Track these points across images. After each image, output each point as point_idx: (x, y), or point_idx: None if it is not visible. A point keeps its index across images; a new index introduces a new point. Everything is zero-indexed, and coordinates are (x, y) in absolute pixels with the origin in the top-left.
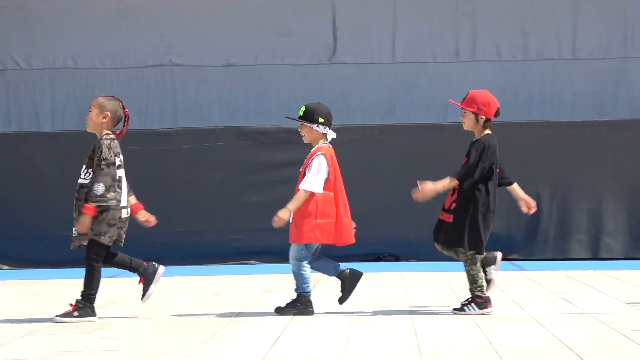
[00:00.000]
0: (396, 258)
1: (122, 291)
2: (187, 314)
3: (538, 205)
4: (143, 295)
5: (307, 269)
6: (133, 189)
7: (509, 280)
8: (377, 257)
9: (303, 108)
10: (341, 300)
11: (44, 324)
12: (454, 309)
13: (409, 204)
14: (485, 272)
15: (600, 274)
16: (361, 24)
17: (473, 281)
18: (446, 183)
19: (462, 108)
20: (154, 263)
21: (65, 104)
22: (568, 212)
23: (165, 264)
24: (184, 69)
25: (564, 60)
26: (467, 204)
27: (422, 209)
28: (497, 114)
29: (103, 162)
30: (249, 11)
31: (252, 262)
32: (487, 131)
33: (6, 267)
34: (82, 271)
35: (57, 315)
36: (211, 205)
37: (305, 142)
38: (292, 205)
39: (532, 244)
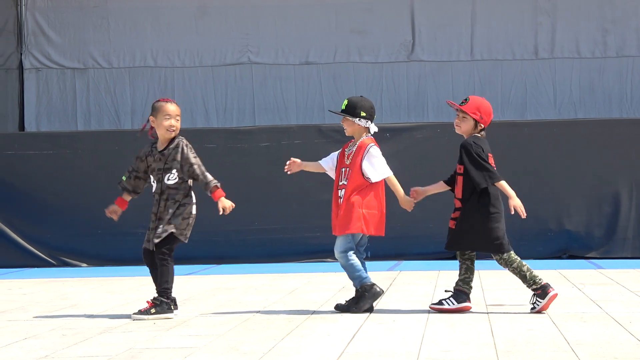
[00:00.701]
0: None
1: (197, 289)
2: (263, 311)
3: (617, 203)
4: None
5: (354, 257)
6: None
7: (586, 279)
8: (453, 256)
9: (345, 102)
10: (339, 307)
11: (121, 320)
12: (532, 310)
13: None
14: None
15: None
16: (439, 21)
17: (523, 278)
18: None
19: (465, 113)
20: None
21: (145, 102)
22: None
23: (241, 262)
24: (262, 67)
25: None
26: (468, 211)
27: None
28: (490, 123)
29: (194, 159)
30: (326, 9)
31: (329, 260)
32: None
33: (84, 264)
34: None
35: (134, 313)
36: (288, 203)
37: (347, 134)
38: (399, 191)
39: (610, 242)
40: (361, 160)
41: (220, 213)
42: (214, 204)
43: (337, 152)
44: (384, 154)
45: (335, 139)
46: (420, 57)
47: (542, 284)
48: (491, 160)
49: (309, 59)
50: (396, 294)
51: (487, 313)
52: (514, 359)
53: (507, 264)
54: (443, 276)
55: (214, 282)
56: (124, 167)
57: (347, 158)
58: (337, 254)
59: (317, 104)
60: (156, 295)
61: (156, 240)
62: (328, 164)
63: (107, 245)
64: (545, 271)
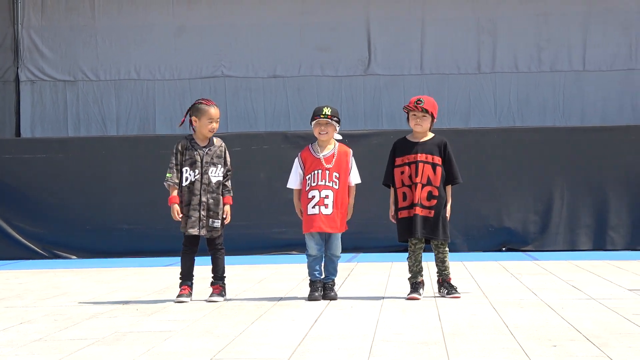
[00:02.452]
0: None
1: (176, 278)
2: (234, 298)
3: (550, 202)
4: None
5: None
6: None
7: (523, 269)
8: (405, 248)
9: (329, 109)
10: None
11: (108, 306)
12: (448, 294)
13: None
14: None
15: (605, 263)
16: (393, 39)
17: (446, 267)
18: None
19: (426, 111)
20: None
21: (129, 111)
22: (576, 209)
23: None
24: (234, 80)
25: (575, 71)
26: (443, 200)
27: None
28: None
29: (230, 162)
30: (292, 28)
31: (294, 252)
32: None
33: (74, 257)
34: (140, 260)
35: (209, 300)
36: (257, 202)
37: (324, 139)
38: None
39: (544, 236)
40: (350, 165)
41: (225, 216)
42: None
43: (298, 163)
44: None
45: (300, 144)
46: (376, 72)
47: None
48: None
49: (276, 73)
50: (354, 283)
51: (435, 299)
52: (459, 341)
53: (444, 252)
54: (396, 267)
55: None
56: (110, 170)
57: (328, 162)
58: (339, 251)
59: (283, 113)
60: (218, 280)
61: (216, 234)
62: (298, 182)
63: (95, 239)
64: (487, 262)
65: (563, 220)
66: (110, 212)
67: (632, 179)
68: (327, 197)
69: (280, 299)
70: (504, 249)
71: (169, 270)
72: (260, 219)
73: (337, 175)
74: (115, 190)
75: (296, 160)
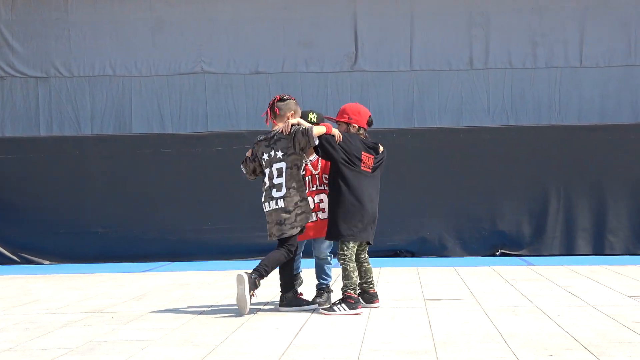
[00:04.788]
0: (412, 254)
1: (153, 285)
2: (215, 305)
3: (546, 204)
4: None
5: None
6: (171, 188)
7: (518, 275)
8: (395, 253)
9: (316, 115)
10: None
11: (81, 315)
12: (323, 309)
13: (425, 203)
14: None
15: (603, 269)
16: (381, 34)
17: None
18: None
19: (336, 121)
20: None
21: (104, 109)
22: (573, 211)
23: (194, 259)
24: (214, 76)
25: (571, 68)
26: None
27: (438, 209)
28: (370, 122)
29: None
30: (275, 23)
31: None
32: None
33: (46, 262)
34: (115, 266)
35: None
36: (239, 204)
37: None
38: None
39: (540, 240)
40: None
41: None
42: (170, 204)
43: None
44: None
45: None
46: (363, 68)
47: (357, 296)
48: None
49: (258, 69)
50: (338, 290)
51: (426, 307)
52: (451, 350)
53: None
54: (384, 272)
55: (169, 278)
56: (84, 170)
57: (315, 167)
58: (324, 254)
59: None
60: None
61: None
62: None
63: (68, 243)
64: (480, 268)
65: (560, 224)
66: (84, 215)
67: (631, 180)
68: (321, 201)
69: (266, 303)
70: (497, 253)
71: (144, 276)
72: (243, 223)
73: (327, 176)
74: (90, 192)
75: None
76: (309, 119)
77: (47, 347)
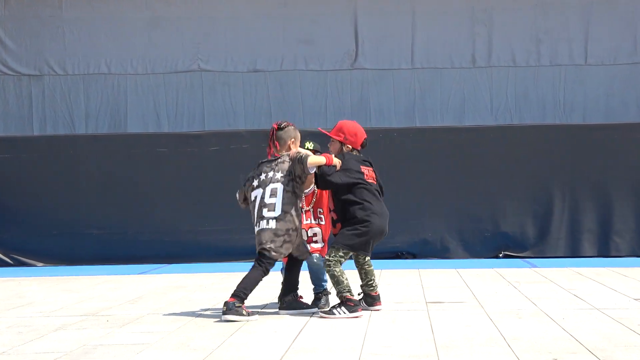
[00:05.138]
0: (414, 256)
1: (149, 287)
2: (212, 308)
3: (551, 205)
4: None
5: None
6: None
7: (522, 277)
8: (396, 255)
9: (313, 144)
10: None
11: (75, 318)
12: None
13: (426, 204)
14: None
15: (609, 271)
16: (382, 32)
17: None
18: None
19: (330, 137)
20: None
21: (99, 108)
22: (578, 212)
23: (191, 261)
24: (211, 74)
25: (576, 66)
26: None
27: (439, 209)
28: (364, 144)
29: None
30: (274, 20)
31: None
32: None
33: (40, 264)
34: (110, 268)
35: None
36: (236, 205)
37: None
38: None
39: (544, 242)
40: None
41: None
42: (166, 205)
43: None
44: None
45: None
46: (363, 65)
47: (357, 299)
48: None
49: (256, 67)
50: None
51: (427, 310)
52: (453, 354)
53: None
54: (385, 274)
55: (165, 281)
56: (78, 170)
57: (308, 203)
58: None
59: (265, 110)
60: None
61: None
62: None
63: (62, 245)
64: (483, 270)
65: (564, 225)
66: (79, 216)
67: (638, 180)
68: (315, 235)
69: (263, 307)
70: (501, 255)
71: (141, 279)
72: (240, 224)
73: (321, 210)
74: (84, 192)
75: None
76: (306, 147)
77: (40, 351)
